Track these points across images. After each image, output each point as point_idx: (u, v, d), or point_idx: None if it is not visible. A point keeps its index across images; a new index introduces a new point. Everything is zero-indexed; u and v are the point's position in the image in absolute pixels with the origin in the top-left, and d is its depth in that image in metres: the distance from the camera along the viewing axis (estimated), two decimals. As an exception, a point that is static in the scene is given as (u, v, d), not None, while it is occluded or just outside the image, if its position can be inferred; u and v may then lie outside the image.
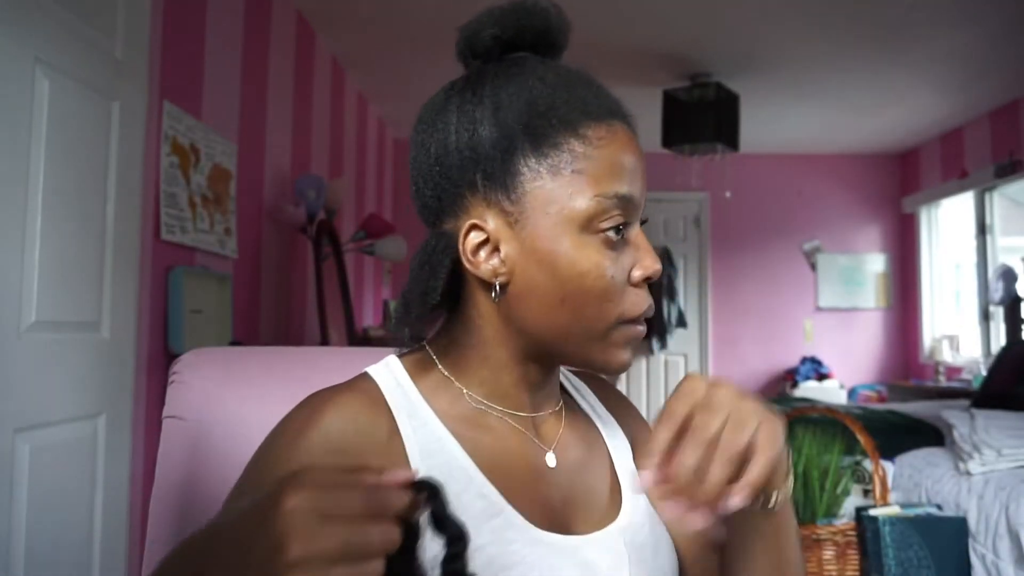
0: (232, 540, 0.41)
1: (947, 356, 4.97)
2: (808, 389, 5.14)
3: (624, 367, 0.60)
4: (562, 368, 0.72)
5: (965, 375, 4.61)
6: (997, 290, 4.13)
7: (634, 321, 0.59)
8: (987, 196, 4.67)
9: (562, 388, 0.71)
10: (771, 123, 4.81)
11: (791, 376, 5.40)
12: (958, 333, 5.10)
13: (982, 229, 4.71)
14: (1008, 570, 1.90)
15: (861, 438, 1.98)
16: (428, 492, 0.44)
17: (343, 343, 3.23)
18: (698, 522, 0.50)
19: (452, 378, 0.63)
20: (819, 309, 5.61)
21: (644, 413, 1.03)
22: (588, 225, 0.57)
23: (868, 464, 2.08)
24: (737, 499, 0.49)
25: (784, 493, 0.57)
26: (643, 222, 0.62)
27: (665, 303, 5.37)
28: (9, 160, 1.42)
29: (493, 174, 0.57)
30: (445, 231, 0.60)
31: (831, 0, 3.08)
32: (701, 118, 3.82)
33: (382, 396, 0.60)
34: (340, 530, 0.38)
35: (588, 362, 0.60)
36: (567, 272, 0.57)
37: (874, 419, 2.87)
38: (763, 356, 5.60)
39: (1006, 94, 4.24)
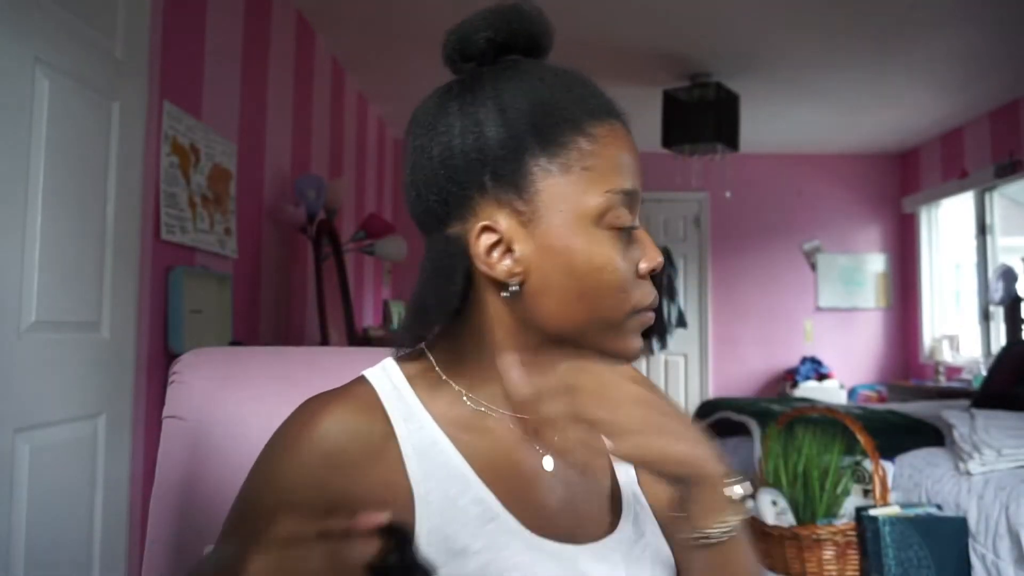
0: None
1: (947, 356, 4.97)
2: (808, 389, 5.14)
3: (638, 354, 0.61)
4: None
5: (965, 375, 4.61)
6: (997, 290, 4.13)
7: (645, 310, 0.61)
8: (987, 196, 4.67)
9: None
10: (771, 123, 4.81)
11: (791, 376, 5.40)
12: (958, 333, 5.10)
13: (982, 229, 4.71)
14: (1008, 570, 1.90)
15: (861, 438, 1.98)
16: (397, 538, 0.44)
17: (343, 343, 3.23)
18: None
19: (451, 381, 0.62)
20: (819, 309, 5.62)
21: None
22: (599, 221, 0.58)
23: (868, 464, 2.08)
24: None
25: (723, 530, 0.53)
26: None
27: (665, 303, 5.37)
28: (9, 160, 1.42)
29: (503, 175, 0.57)
30: (451, 235, 0.59)
31: (831, 0, 3.09)
32: (701, 118, 3.82)
33: (378, 400, 0.60)
34: None
35: (608, 352, 0.61)
36: (584, 267, 0.57)
37: (874, 419, 2.87)
38: (763, 356, 5.60)
39: (1006, 94, 4.24)
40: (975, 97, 4.30)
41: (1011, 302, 4.07)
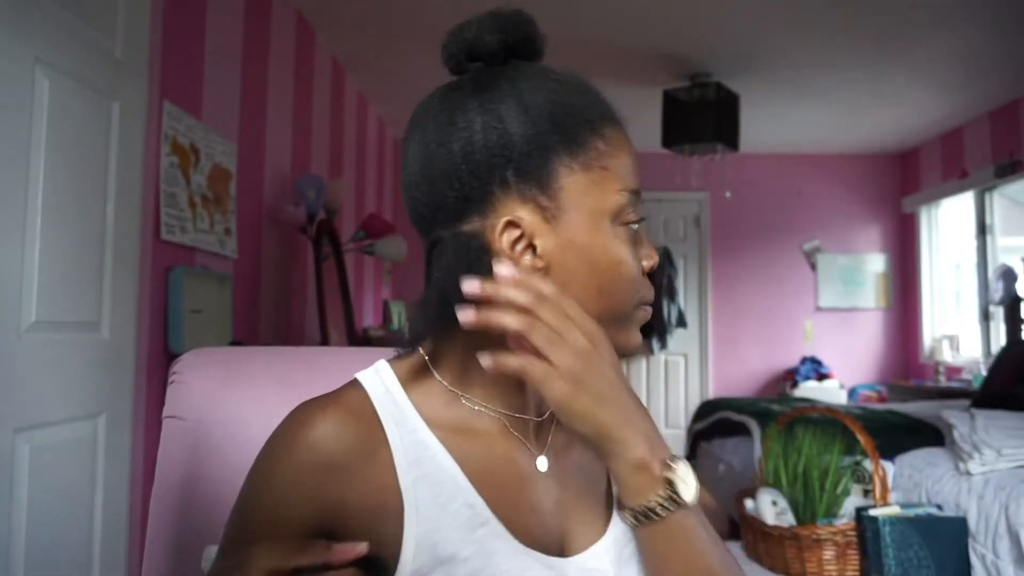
0: None
1: (947, 356, 4.97)
2: (808, 389, 5.14)
3: (639, 347, 0.66)
4: None
5: (965, 375, 4.62)
6: (997, 290, 4.13)
7: (647, 304, 0.64)
8: (987, 196, 4.67)
9: None
10: (771, 123, 4.81)
11: (791, 376, 5.40)
12: (958, 333, 5.10)
13: (982, 229, 4.71)
14: (1008, 570, 1.90)
15: (861, 438, 1.98)
16: (375, 569, 0.44)
17: (343, 343, 3.23)
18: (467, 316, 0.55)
19: (445, 382, 0.62)
20: (819, 309, 5.62)
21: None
22: (616, 218, 0.60)
23: (868, 464, 2.08)
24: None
25: (647, 508, 0.55)
26: None
27: (665, 303, 5.37)
28: (9, 160, 1.42)
29: (528, 170, 0.58)
30: (469, 230, 0.59)
31: (831, 0, 3.09)
32: (701, 118, 3.82)
33: (371, 405, 0.60)
34: None
35: (614, 346, 0.61)
36: (604, 262, 0.59)
37: (874, 419, 2.87)
38: (763, 356, 5.60)
39: (1006, 94, 4.24)
40: (975, 97, 4.30)
41: (1011, 302, 4.07)
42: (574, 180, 0.59)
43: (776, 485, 2.07)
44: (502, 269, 0.55)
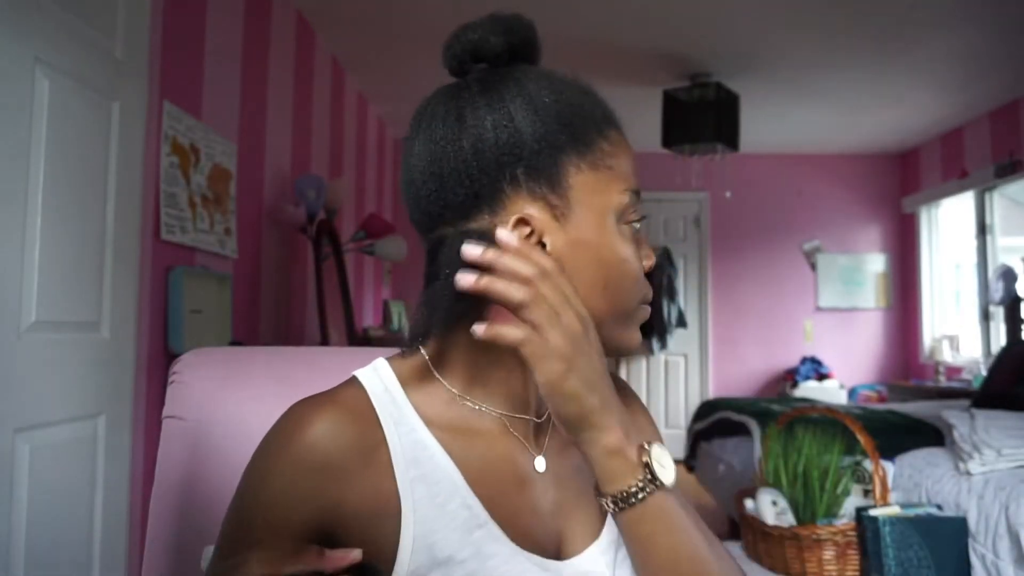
0: None
1: (947, 356, 4.97)
2: (808, 389, 5.14)
3: (639, 345, 0.65)
4: None
5: (965, 375, 4.62)
6: (997, 290, 4.13)
7: (647, 302, 0.65)
8: (987, 196, 4.67)
9: None
10: (771, 123, 4.81)
11: (791, 376, 5.40)
12: (958, 333, 5.10)
13: (982, 229, 4.71)
14: (1008, 570, 1.90)
15: (861, 438, 1.98)
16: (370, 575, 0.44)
17: (343, 343, 3.23)
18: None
19: (445, 382, 0.62)
20: (819, 309, 5.62)
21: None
22: (621, 217, 0.61)
23: (868, 464, 2.08)
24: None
25: (622, 492, 0.55)
26: None
27: (665, 303, 5.37)
28: (9, 160, 1.42)
29: (537, 168, 0.58)
30: (479, 228, 0.59)
31: (831, 0, 3.09)
32: (701, 118, 3.82)
33: (369, 403, 0.59)
34: None
35: (616, 344, 0.63)
36: (611, 259, 0.60)
37: (874, 419, 2.87)
38: (763, 356, 5.60)
39: (1006, 94, 4.24)
40: (975, 97, 4.30)
41: (1011, 302, 4.07)
42: (582, 179, 0.59)
43: (776, 485, 2.07)
44: (504, 234, 0.55)
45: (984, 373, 3.99)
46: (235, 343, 2.40)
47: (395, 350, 0.67)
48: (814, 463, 2.01)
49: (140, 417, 1.94)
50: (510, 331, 0.53)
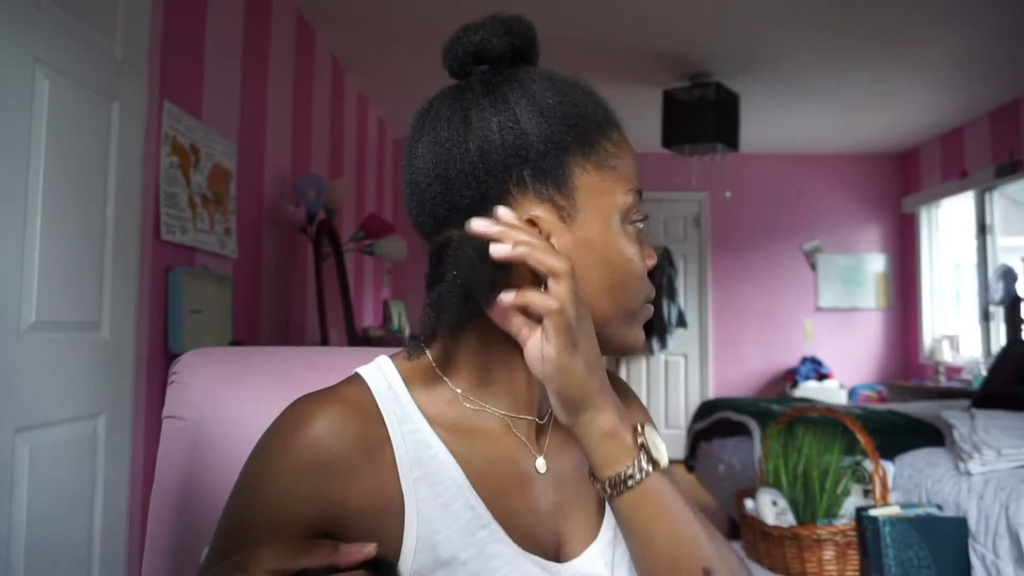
0: None
1: (947, 356, 4.97)
2: (808, 389, 5.14)
3: (642, 345, 0.66)
4: None
5: (965, 375, 4.62)
6: (997, 290, 4.13)
7: (650, 301, 0.65)
8: (987, 196, 4.67)
9: None
10: (771, 123, 4.81)
11: (791, 376, 5.40)
12: (958, 333, 5.10)
13: (982, 229, 4.71)
14: (1008, 570, 1.90)
15: (861, 438, 1.98)
16: (383, 572, 0.43)
17: (343, 343, 3.23)
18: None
19: (448, 380, 0.62)
20: (819, 309, 5.62)
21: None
22: (625, 217, 0.61)
23: (868, 464, 2.08)
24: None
25: (624, 473, 0.55)
26: None
27: (665, 303, 5.37)
28: (9, 160, 1.42)
29: (544, 169, 0.58)
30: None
31: (831, 0, 3.09)
32: (701, 118, 3.82)
33: (373, 401, 0.59)
34: None
35: (620, 343, 0.63)
36: (617, 259, 0.60)
37: (874, 419, 2.87)
38: (763, 356, 5.60)
39: (1006, 94, 4.24)
40: (975, 97, 4.30)
41: (1011, 302, 4.07)
42: (588, 180, 0.60)
43: (776, 485, 2.07)
44: (504, 210, 0.56)
45: (984, 373, 3.99)
46: (235, 343, 2.40)
47: (396, 350, 0.66)
48: (814, 463, 2.01)
49: (140, 417, 1.94)
50: (542, 298, 0.53)
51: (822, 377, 5.32)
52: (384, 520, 0.56)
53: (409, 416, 0.59)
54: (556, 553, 0.62)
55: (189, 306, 2.13)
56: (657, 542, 0.56)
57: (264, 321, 2.82)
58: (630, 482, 0.55)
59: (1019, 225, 5.73)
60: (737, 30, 3.42)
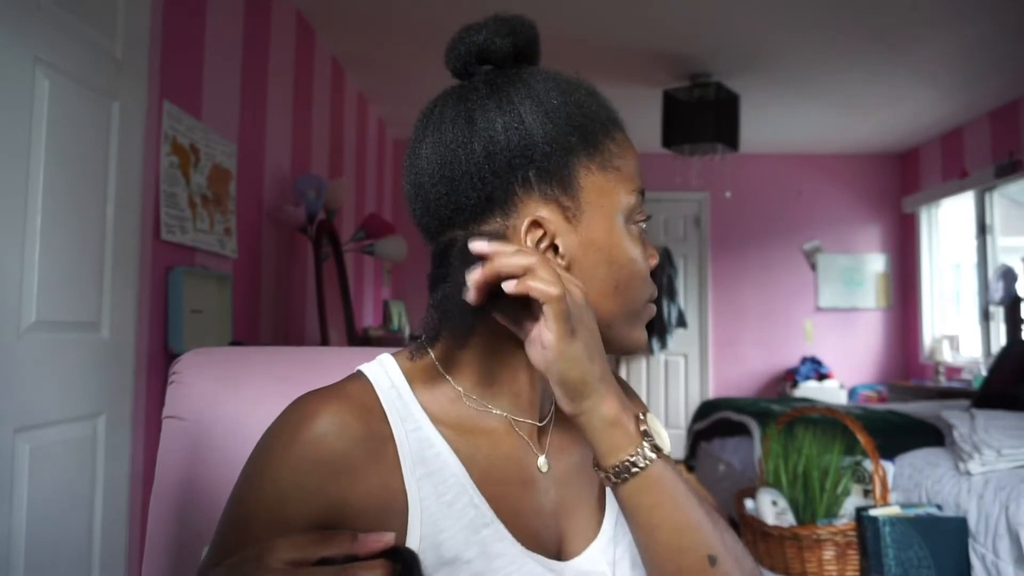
0: None
1: (947, 356, 4.97)
2: (808, 389, 5.14)
3: (645, 344, 0.66)
4: None
5: (965, 375, 4.62)
6: (997, 290, 4.13)
7: (652, 301, 0.66)
8: (987, 196, 4.67)
9: None
10: (771, 123, 4.81)
11: (791, 376, 5.40)
12: (958, 333, 5.10)
13: (982, 229, 4.71)
14: (1008, 570, 1.90)
15: (861, 438, 1.98)
16: (403, 561, 0.43)
17: (343, 343, 3.23)
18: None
19: (451, 379, 0.62)
20: (819, 309, 5.62)
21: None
22: (629, 217, 0.62)
23: (868, 464, 2.08)
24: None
25: (628, 460, 0.55)
26: None
27: (665, 303, 5.37)
28: (9, 160, 1.42)
29: (549, 170, 0.59)
30: (491, 230, 0.59)
31: (831, 0, 3.09)
32: (701, 118, 3.82)
33: (376, 398, 0.59)
34: None
35: (624, 342, 0.63)
36: (622, 259, 0.61)
37: (874, 419, 2.87)
38: (763, 356, 5.60)
39: (1006, 94, 4.24)
40: (975, 97, 4.30)
41: (1011, 302, 4.07)
42: (592, 180, 0.60)
43: (776, 485, 2.07)
44: (479, 245, 0.55)
45: (984, 373, 3.99)
46: (235, 343, 2.40)
47: (396, 349, 0.66)
48: (814, 463, 2.01)
49: (140, 417, 1.94)
50: (543, 285, 0.53)
51: (822, 377, 5.32)
52: (388, 518, 0.56)
53: (412, 414, 0.59)
54: (558, 552, 0.62)
55: (189, 306, 2.13)
56: (661, 529, 0.56)
57: (264, 321, 2.82)
58: (634, 469, 0.55)
59: (1019, 225, 5.73)
60: (737, 30, 3.42)
